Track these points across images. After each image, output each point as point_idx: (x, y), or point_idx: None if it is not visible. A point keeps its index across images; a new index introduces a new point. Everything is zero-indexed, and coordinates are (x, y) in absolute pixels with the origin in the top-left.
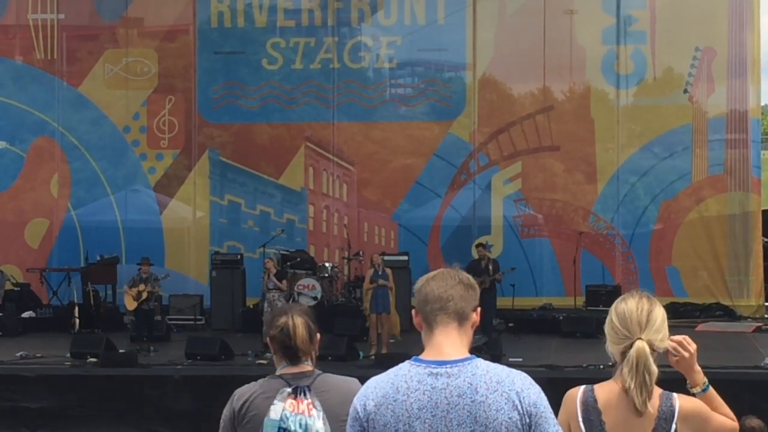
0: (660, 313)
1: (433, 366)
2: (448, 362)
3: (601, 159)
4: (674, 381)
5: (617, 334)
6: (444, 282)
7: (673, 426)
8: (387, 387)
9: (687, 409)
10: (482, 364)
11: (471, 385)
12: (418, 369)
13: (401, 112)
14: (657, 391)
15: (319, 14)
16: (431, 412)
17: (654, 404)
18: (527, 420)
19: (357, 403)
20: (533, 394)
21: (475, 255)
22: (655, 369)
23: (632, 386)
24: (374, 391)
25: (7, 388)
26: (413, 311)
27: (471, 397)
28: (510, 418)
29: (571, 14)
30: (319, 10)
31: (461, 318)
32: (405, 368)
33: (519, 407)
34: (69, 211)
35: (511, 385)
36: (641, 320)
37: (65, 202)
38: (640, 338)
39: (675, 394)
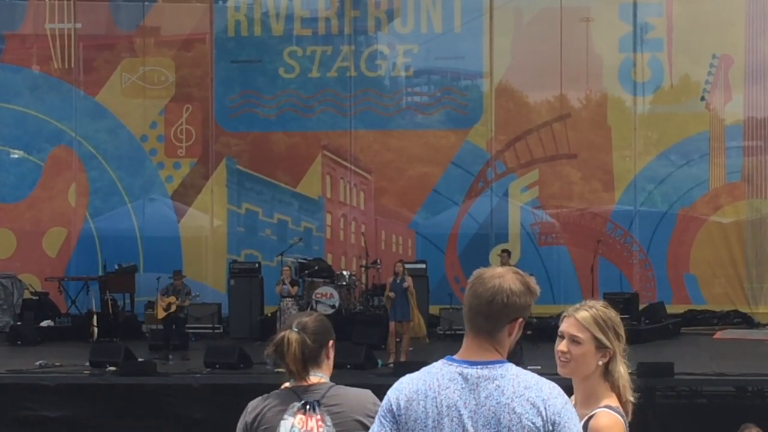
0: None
1: (464, 366)
2: (480, 363)
3: (618, 167)
4: None
5: None
6: (491, 282)
7: None
8: (419, 383)
9: (597, 428)
10: (513, 369)
11: (499, 387)
12: (450, 368)
13: (418, 120)
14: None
15: (336, 23)
16: (459, 410)
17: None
18: (550, 428)
19: (390, 396)
20: (559, 403)
21: (494, 260)
22: None
23: None
24: (407, 387)
25: (26, 397)
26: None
27: (497, 399)
28: (533, 423)
29: (587, 22)
30: (335, 19)
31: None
32: (438, 366)
33: (543, 414)
34: (87, 220)
35: (538, 392)
36: None
37: (83, 211)
38: None
39: (601, 410)
